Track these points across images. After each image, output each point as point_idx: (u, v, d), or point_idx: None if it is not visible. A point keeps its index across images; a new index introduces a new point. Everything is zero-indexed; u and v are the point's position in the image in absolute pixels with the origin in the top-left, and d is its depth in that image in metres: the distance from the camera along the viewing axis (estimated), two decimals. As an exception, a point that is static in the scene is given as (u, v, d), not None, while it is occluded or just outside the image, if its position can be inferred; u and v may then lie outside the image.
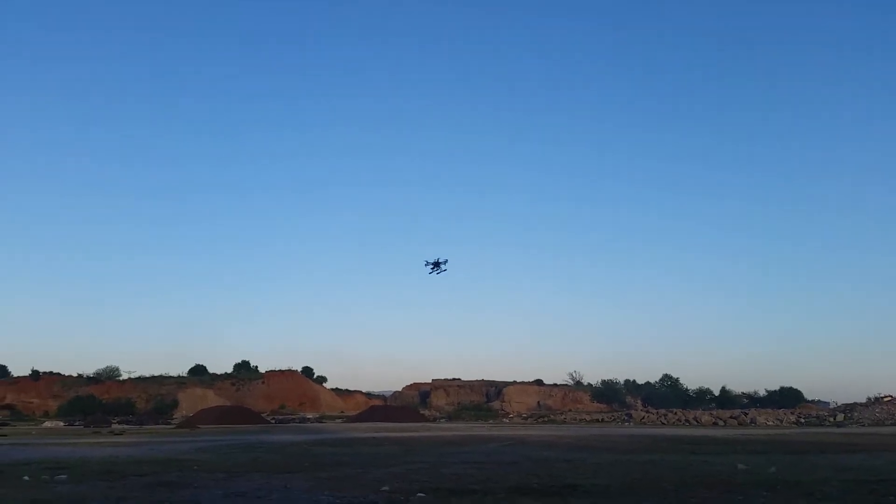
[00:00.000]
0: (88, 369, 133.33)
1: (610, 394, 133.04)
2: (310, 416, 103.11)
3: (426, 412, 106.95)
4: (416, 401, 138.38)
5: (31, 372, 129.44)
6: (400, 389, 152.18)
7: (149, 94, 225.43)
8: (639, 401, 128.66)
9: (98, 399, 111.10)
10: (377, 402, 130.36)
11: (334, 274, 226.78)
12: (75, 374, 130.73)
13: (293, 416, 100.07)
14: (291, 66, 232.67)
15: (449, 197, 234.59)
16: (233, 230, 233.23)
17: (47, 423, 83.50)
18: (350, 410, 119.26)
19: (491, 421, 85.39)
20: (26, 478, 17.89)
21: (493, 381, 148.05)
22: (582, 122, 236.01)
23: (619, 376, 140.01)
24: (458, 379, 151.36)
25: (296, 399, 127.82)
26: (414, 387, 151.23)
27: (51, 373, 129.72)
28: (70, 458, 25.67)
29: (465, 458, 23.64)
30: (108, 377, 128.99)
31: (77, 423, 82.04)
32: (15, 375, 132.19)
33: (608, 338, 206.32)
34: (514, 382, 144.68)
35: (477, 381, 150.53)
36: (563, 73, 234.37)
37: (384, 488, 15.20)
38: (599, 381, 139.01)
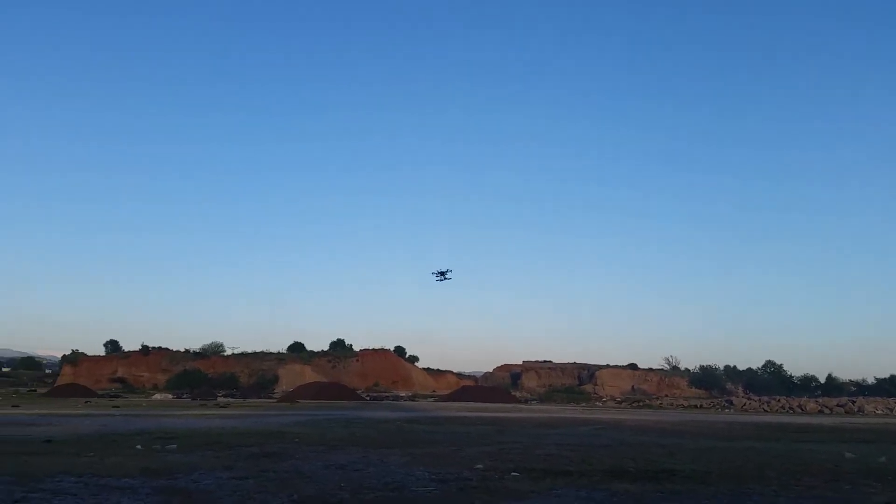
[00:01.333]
0: (194, 345, 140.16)
1: (709, 379, 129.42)
2: (402, 394, 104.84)
3: (517, 393, 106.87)
4: (507, 382, 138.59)
5: (141, 347, 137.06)
6: (491, 370, 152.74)
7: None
8: (739, 387, 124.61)
9: (204, 373, 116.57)
10: (468, 383, 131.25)
11: (425, 256, 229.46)
12: (182, 350, 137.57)
13: (386, 394, 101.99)
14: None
15: (541, 181, 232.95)
16: (332, 212, 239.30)
17: (157, 396, 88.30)
18: (441, 390, 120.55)
19: (583, 404, 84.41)
20: (139, 447, 18.90)
21: (586, 364, 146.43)
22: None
23: (719, 362, 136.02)
24: (550, 361, 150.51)
25: (389, 377, 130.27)
26: (504, 368, 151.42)
27: (159, 348, 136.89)
28: (179, 428, 27.00)
29: (558, 440, 23.42)
30: (212, 352, 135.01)
31: (185, 396, 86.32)
32: (126, 350, 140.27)
33: (706, 323, 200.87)
34: (607, 366, 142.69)
35: (568, 363, 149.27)
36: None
37: (478, 466, 15.23)
38: (697, 366, 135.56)
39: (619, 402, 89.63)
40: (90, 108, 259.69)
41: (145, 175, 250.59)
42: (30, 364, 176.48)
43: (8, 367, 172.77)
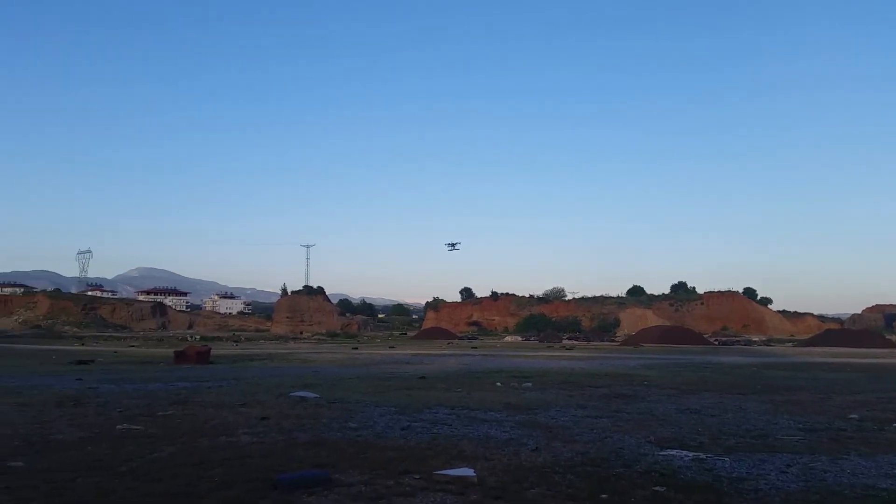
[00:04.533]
0: (538, 290, 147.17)
1: None
2: (755, 338, 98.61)
3: (893, 337, 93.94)
4: (880, 325, 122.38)
5: (490, 293, 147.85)
6: (859, 312, 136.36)
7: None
8: None
9: (547, 317, 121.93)
10: (832, 326, 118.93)
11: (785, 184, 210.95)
12: (527, 295, 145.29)
13: (736, 338, 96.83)
14: None
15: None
16: (680, 152, 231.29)
17: (507, 338, 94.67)
18: (800, 334, 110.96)
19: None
20: (499, 384, 20.36)
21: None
22: None
23: None
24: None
25: (738, 321, 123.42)
26: (876, 308, 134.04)
27: (507, 294, 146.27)
28: (531, 368, 28.55)
29: (955, 391, 20.05)
30: (555, 297, 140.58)
31: (532, 338, 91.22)
32: (478, 296, 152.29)
33: None
34: None
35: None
36: None
37: (852, 416, 13.66)
38: None
39: None
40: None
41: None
42: (400, 310, 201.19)
43: (383, 313, 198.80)
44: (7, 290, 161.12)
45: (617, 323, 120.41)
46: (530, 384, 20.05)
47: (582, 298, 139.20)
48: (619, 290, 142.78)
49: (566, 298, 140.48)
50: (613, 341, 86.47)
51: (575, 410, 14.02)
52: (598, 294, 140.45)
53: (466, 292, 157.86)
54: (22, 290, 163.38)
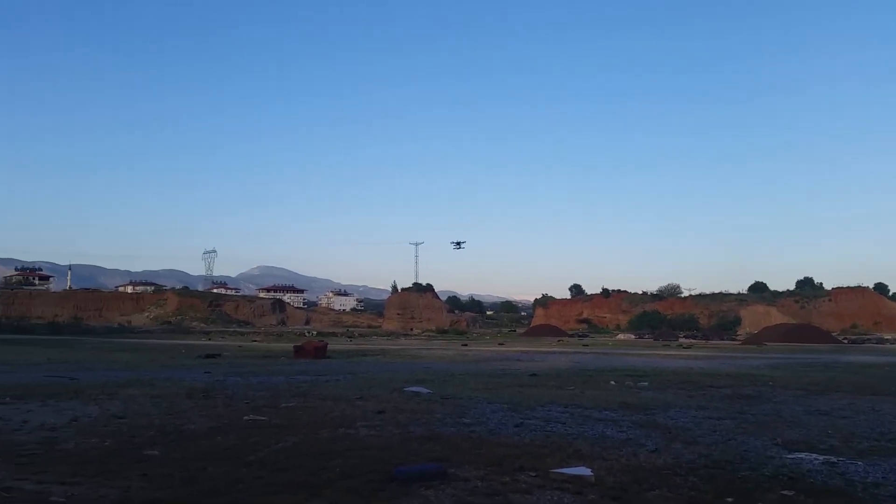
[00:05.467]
0: (651, 287, 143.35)
1: None
2: (887, 336, 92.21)
3: None
4: None
5: (601, 290, 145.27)
6: None
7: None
8: None
9: (662, 314, 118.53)
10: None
11: None
12: (640, 292, 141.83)
13: (867, 337, 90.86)
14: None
15: None
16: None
17: (620, 336, 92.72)
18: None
19: None
20: (612, 382, 19.95)
21: None
22: None
23: None
24: None
25: (868, 318, 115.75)
26: None
27: (619, 290, 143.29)
28: (646, 367, 27.82)
29: None
30: (670, 294, 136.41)
31: (646, 336, 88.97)
32: (589, 293, 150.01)
33: None
34: None
35: None
36: None
37: None
38: None
39: None
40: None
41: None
42: (508, 307, 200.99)
43: (491, 310, 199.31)
44: (139, 289, 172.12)
45: (737, 321, 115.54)
46: (646, 383, 19.54)
47: (699, 295, 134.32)
48: (739, 286, 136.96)
49: (682, 295, 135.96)
50: (734, 340, 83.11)
51: (695, 411, 13.54)
52: (716, 291, 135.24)
53: (576, 289, 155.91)
54: (153, 288, 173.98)
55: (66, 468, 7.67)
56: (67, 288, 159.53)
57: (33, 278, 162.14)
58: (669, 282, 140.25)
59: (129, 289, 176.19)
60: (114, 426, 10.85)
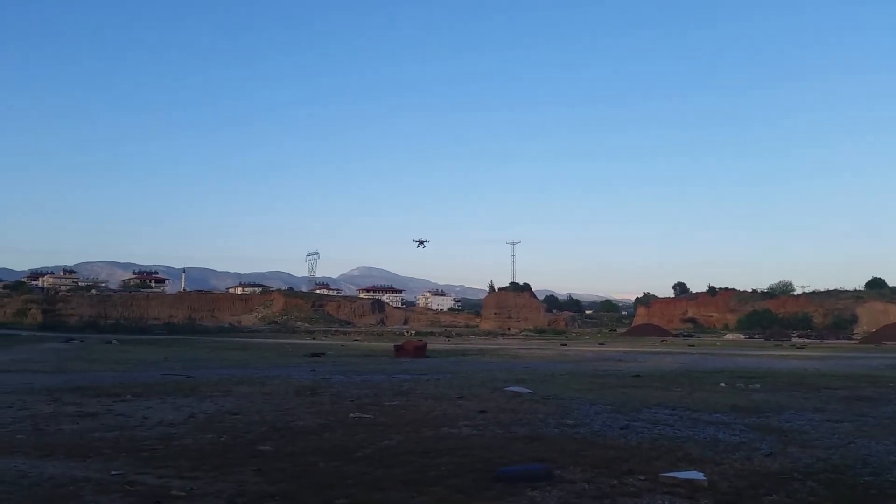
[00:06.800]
0: (761, 284, 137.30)
1: None
2: None
3: None
4: None
5: (707, 288, 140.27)
6: None
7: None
8: None
9: (773, 313, 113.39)
10: None
11: None
12: (749, 290, 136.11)
13: None
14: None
15: None
16: None
17: (728, 336, 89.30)
18: None
19: None
20: (722, 384, 19.25)
21: None
22: None
23: None
24: None
25: None
26: None
27: (726, 288, 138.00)
28: (758, 368, 26.72)
29: None
30: (781, 292, 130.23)
31: (756, 336, 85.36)
32: (694, 291, 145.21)
33: None
34: None
35: None
36: None
37: None
38: None
39: None
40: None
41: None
42: (608, 307, 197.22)
43: (590, 309, 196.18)
44: (248, 290, 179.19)
45: (854, 319, 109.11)
46: (758, 385, 18.76)
47: (813, 293, 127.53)
48: (856, 282, 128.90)
49: (794, 293, 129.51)
50: (850, 339, 78.66)
51: (811, 414, 12.90)
52: (831, 287, 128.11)
53: (680, 287, 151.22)
54: (260, 289, 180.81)
55: (184, 463, 8.07)
56: (182, 290, 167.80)
57: (150, 281, 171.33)
58: (781, 278, 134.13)
59: (239, 290, 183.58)
60: (228, 422, 11.33)
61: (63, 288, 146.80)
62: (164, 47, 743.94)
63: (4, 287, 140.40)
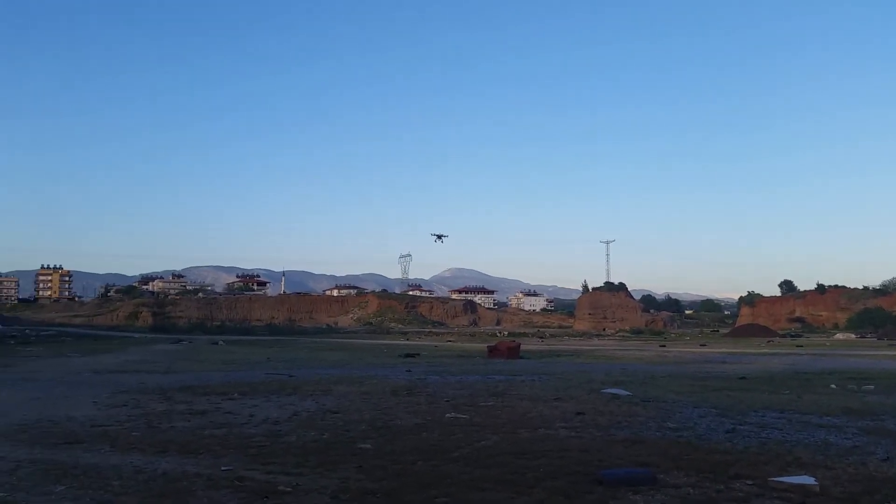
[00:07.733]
0: (873, 281, 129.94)
1: None
2: None
3: None
4: None
5: (816, 286, 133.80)
6: None
7: None
8: None
9: (887, 311, 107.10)
10: None
11: None
12: (860, 287, 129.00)
13: None
14: None
15: None
16: None
17: (838, 335, 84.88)
18: None
19: None
20: (833, 386, 18.35)
21: None
22: None
23: None
24: None
25: None
26: None
27: (835, 286, 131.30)
28: (872, 369, 25.32)
29: None
30: (895, 288, 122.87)
31: (868, 336, 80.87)
32: (801, 290, 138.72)
33: None
34: None
35: None
36: None
37: None
38: None
39: None
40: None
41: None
42: (709, 306, 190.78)
43: (690, 309, 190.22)
44: (344, 292, 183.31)
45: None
46: (872, 387, 17.77)
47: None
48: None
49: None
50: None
51: (934, 418, 12.11)
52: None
53: (787, 285, 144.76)
54: (355, 291, 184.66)
55: (290, 459, 8.34)
56: (282, 292, 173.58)
57: (253, 284, 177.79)
58: (894, 274, 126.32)
59: (335, 292, 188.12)
60: (329, 420, 11.63)
61: (172, 291, 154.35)
62: (272, 51, 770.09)
63: (117, 291, 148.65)
